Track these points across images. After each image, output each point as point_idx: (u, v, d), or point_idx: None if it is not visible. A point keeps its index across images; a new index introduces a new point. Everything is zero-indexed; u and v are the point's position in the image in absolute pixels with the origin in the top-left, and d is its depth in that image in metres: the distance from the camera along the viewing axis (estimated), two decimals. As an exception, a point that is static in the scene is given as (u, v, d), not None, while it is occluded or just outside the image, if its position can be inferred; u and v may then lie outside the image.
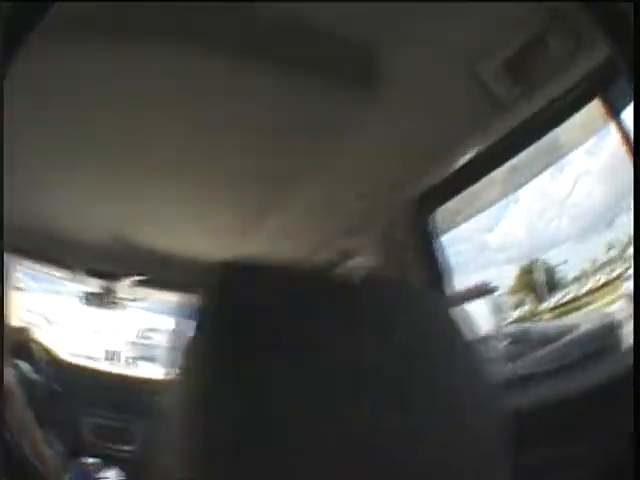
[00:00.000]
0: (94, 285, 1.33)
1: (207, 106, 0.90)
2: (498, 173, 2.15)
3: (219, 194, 1.15)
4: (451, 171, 1.33)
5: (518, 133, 1.20)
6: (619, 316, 1.86)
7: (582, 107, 1.26)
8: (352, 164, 1.07)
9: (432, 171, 1.26)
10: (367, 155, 1.05)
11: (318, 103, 0.89)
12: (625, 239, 2.09)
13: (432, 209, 1.63)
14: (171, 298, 1.40)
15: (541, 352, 1.69)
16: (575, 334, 1.68)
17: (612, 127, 1.45)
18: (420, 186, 1.36)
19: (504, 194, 2.26)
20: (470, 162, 1.35)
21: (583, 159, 1.95)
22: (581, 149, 1.86)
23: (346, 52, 0.81)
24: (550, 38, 0.87)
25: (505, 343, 1.81)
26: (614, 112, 1.02)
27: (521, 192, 2.19)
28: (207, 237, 1.25)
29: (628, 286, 1.89)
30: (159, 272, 1.31)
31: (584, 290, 2.18)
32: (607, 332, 1.59)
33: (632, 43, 0.43)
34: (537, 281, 2.20)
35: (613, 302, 1.97)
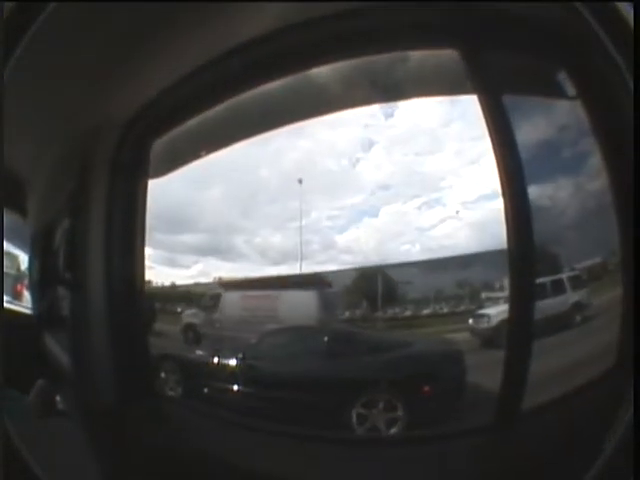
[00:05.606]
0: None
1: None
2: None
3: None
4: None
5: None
6: (461, 347, 1.85)
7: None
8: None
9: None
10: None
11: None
12: (477, 284, 2.14)
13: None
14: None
15: (367, 359, 1.65)
16: (406, 351, 1.65)
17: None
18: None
19: (365, 203, 2.26)
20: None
21: (459, 204, 1.95)
22: (461, 195, 1.86)
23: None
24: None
25: (329, 339, 1.78)
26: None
27: (382, 209, 2.20)
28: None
29: (474, 322, 1.87)
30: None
31: (424, 313, 2.17)
32: (443, 358, 1.56)
33: (632, 43, 0.43)
34: (375, 289, 2.18)
35: (456, 332, 1.98)
